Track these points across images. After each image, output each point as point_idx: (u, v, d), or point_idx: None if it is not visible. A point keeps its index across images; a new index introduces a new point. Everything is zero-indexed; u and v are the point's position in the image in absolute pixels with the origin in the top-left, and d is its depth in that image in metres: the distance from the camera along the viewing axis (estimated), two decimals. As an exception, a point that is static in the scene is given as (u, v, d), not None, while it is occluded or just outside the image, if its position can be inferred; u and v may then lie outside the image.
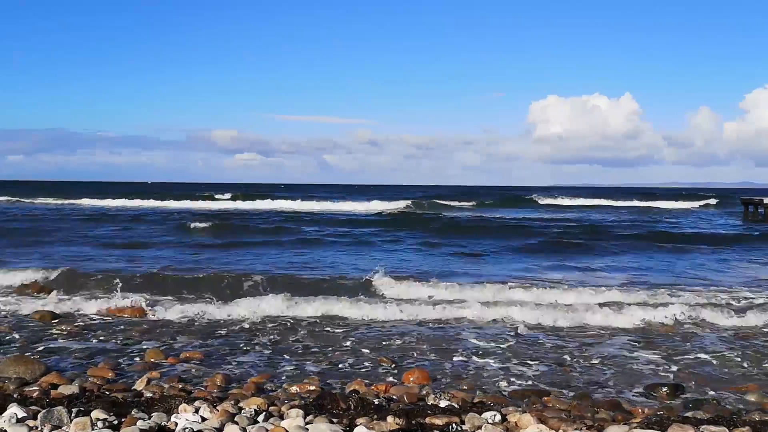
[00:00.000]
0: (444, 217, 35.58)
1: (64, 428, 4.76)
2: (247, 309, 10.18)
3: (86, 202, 51.88)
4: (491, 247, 20.20)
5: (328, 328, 9.32)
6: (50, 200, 53.42)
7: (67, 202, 52.01)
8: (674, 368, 7.44)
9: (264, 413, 5.26)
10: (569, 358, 7.83)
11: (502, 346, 8.39)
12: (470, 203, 55.90)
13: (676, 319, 9.80)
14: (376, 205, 49.45)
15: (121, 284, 11.47)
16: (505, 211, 46.19)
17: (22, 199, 54.72)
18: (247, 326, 9.36)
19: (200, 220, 27.78)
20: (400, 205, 50.51)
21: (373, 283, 12.48)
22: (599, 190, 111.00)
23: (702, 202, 61.51)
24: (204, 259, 16.78)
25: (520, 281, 13.32)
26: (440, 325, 9.57)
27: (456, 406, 5.72)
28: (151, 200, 52.92)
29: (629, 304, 10.55)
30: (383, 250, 19.59)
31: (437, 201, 56.73)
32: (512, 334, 9.03)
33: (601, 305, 10.35)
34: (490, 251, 19.33)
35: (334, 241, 22.03)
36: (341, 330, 9.22)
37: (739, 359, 7.80)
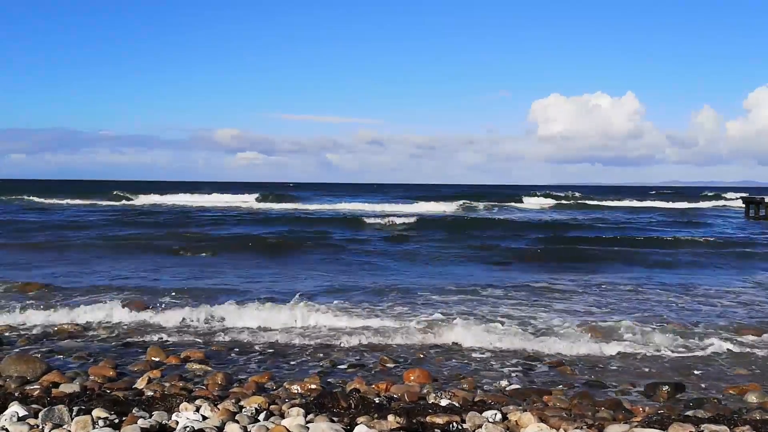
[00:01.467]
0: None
1: (65, 427, 4.77)
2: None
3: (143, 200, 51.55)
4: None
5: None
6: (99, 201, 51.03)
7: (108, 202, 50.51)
8: (675, 367, 7.43)
9: (265, 412, 5.27)
10: (570, 358, 7.82)
11: (504, 344, 8.39)
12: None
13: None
14: (421, 207, 45.29)
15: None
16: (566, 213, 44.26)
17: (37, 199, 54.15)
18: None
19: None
20: (449, 206, 46.25)
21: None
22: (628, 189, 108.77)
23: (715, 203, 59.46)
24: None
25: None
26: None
27: (457, 404, 5.72)
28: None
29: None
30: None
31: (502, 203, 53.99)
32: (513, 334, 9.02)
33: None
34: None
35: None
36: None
37: (740, 358, 7.79)
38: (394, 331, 8.80)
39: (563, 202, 59.26)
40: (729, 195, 71.41)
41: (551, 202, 58.72)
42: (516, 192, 72.85)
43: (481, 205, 49.67)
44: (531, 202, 58.11)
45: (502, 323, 9.33)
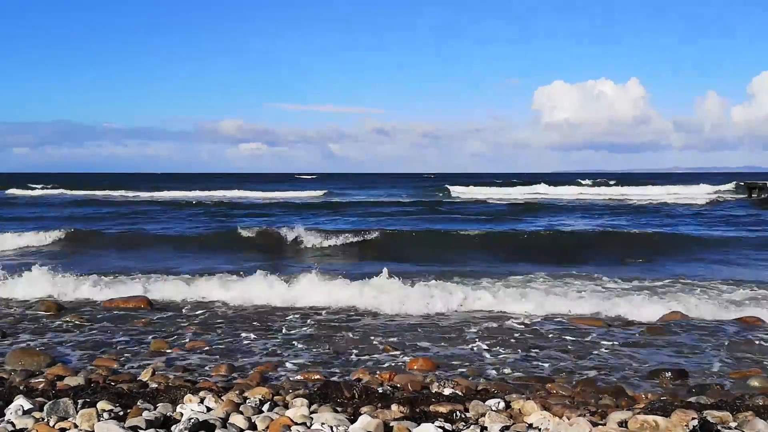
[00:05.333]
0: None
1: (70, 420, 4.78)
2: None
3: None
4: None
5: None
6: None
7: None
8: (678, 354, 7.44)
9: (269, 403, 5.28)
10: (573, 346, 7.83)
11: (507, 334, 8.40)
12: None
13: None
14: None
15: None
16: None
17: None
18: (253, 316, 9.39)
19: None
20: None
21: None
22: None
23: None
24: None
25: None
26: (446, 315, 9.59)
27: (460, 393, 5.73)
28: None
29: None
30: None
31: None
32: (517, 323, 9.05)
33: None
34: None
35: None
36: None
37: (742, 345, 7.80)
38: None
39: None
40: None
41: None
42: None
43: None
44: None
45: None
